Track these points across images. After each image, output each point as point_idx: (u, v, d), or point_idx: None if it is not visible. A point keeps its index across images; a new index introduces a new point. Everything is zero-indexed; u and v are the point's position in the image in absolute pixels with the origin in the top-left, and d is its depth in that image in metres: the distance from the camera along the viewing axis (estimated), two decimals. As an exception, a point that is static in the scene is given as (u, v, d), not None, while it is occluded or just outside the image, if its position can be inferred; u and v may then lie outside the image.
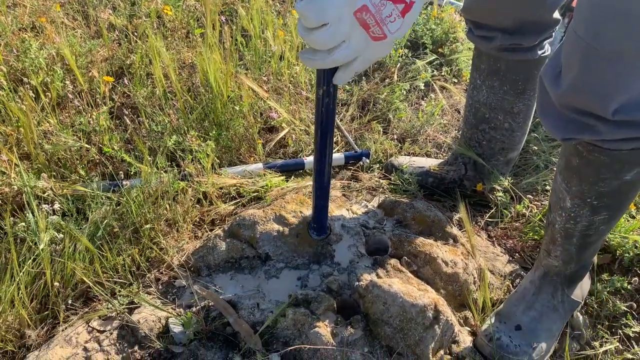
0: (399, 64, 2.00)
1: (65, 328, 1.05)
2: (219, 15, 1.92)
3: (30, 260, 1.09)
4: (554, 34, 1.25)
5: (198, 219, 1.35)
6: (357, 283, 1.10)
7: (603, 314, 1.26)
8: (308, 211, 1.26)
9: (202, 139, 1.48)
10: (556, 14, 1.19)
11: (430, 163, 1.58)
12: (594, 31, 0.79)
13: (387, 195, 1.46)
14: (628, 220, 1.40)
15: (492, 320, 1.14)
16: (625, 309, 1.25)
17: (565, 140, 0.92)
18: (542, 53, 1.24)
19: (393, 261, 1.17)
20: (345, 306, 1.10)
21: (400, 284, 1.08)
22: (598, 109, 0.83)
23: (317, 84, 0.94)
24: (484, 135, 1.43)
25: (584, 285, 1.23)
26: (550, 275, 1.16)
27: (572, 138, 0.91)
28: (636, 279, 1.29)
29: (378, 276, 1.13)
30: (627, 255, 1.34)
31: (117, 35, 1.86)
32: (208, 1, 1.70)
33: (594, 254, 1.16)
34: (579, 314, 1.23)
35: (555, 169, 1.63)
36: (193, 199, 1.34)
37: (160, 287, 1.16)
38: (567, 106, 0.88)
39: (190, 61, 1.81)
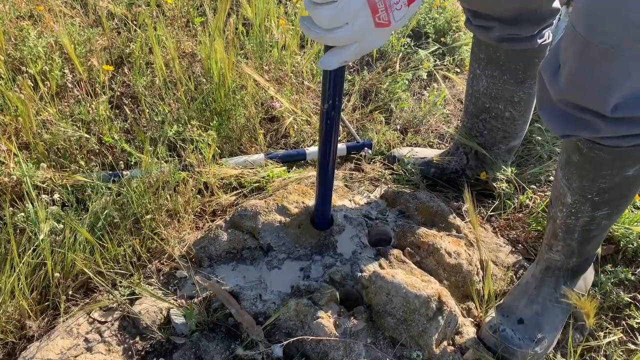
0: (401, 54, 1.98)
1: (66, 319, 1.05)
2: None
3: (30, 251, 1.08)
4: (554, 21, 1.23)
5: (199, 210, 1.34)
6: (360, 274, 1.09)
7: (606, 305, 1.25)
8: (310, 202, 1.25)
9: (203, 128, 1.47)
10: (556, 4, 1.17)
11: (432, 153, 1.56)
12: (590, 25, 0.77)
13: (389, 186, 1.45)
14: (632, 211, 1.39)
15: (495, 313, 1.14)
16: (629, 300, 1.24)
17: (565, 137, 0.91)
18: (543, 42, 1.22)
19: (396, 252, 1.17)
20: (348, 297, 1.09)
21: (403, 274, 1.07)
22: (596, 106, 0.81)
23: (323, 98, 0.96)
24: (484, 124, 1.41)
25: (588, 277, 1.22)
26: (552, 269, 1.15)
27: (571, 135, 0.89)
28: (640, 270, 1.29)
29: (381, 267, 1.12)
30: (631, 246, 1.33)
31: (116, 23, 1.84)
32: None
33: (596, 247, 1.15)
34: (582, 305, 1.23)
35: (558, 159, 1.62)
36: (194, 190, 1.32)
37: (161, 277, 1.15)
38: (565, 102, 0.86)
39: (190, 50, 1.79)
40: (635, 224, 1.35)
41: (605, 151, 0.88)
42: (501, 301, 1.18)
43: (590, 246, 1.10)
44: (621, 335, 1.20)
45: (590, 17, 0.77)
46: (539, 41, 1.21)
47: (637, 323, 1.21)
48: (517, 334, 1.10)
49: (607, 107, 0.80)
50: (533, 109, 1.40)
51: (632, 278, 1.28)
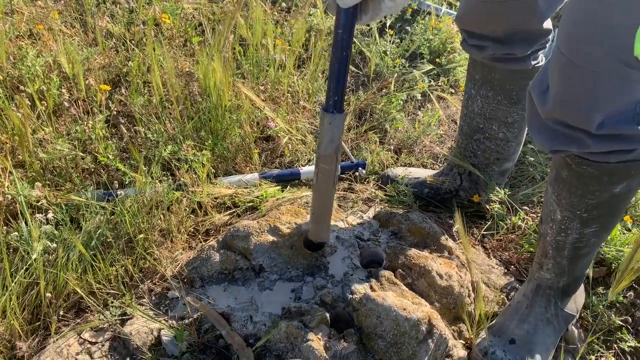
0: (396, 74, 2.00)
1: (57, 339, 1.05)
2: (218, 24, 1.93)
3: (22, 270, 1.09)
4: (547, 45, 1.26)
5: (192, 229, 1.34)
6: (351, 296, 1.09)
7: (598, 328, 1.25)
8: (303, 222, 1.25)
9: (197, 148, 1.48)
10: (547, 24, 1.20)
11: (426, 174, 1.58)
12: (575, 47, 0.82)
13: (382, 207, 1.45)
14: (624, 233, 1.40)
15: (486, 334, 1.14)
16: (621, 323, 1.25)
17: (554, 152, 0.94)
18: (536, 63, 1.25)
19: (387, 274, 1.17)
20: (339, 319, 1.09)
21: (394, 297, 1.08)
22: (582, 124, 0.85)
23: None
24: (478, 145, 1.43)
25: (578, 298, 1.23)
26: (543, 288, 1.16)
27: (560, 150, 0.92)
28: (631, 293, 1.29)
29: (372, 289, 1.12)
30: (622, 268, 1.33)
31: (114, 42, 1.86)
32: (235, 12, 1.70)
33: (586, 267, 1.16)
34: (573, 327, 1.23)
35: (548, 177, 1.63)
36: (188, 209, 1.33)
37: (153, 298, 1.15)
38: (553, 120, 0.90)
39: (187, 69, 1.81)
40: (626, 246, 1.35)
41: (593, 167, 0.91)
42: (493, 322, 1.18)
43: (580, 265, 1.12)
44: (613, 359, 1.20)
45: (574, 39, 0.82)
46: (533, 62, 1.24)
47: (628, 347, 1.21)
48: (508, 355, 1.10)
49: (592, 124, 0.83)
50: (526, 131, 1.42)
51: (624, 301, 1.28)
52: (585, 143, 0.86)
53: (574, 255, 1.08)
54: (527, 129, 1.01)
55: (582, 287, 1.24)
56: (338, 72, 0.95)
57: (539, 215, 1.51)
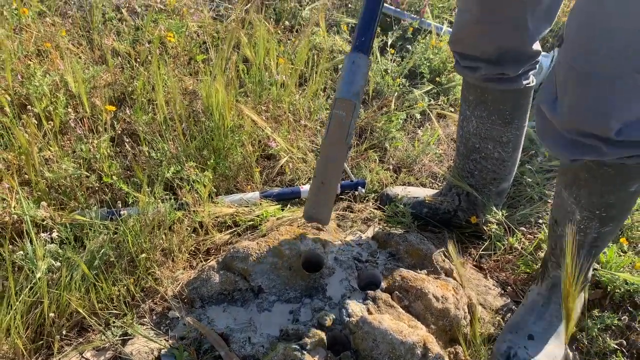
0: (396, 93, 2.03)
1: (59, 359, 1.07)
2: (226, 45, 1.96)
3: (27, 289, 1.11)
4: (537, 65, 1.29)
5: (193, 249, 1.36)
6: (348, 319, 1.11)
7: (593, 351, 1.26)
8: (302, 244, 1.28)
9: (200, 168, 1.50)
10: (536, 46, 1.24)
11: (424, 193, 1.60)
12: (585, 56, 0.84)
13: (381, 226, 1.47)
14: (620, 256, 1.41)
15: (503, 333, 1.18)
16: (616, 346, 1.26)
17: (574, 161, 0.97)
18: (527, 84, 1.29)
19: (384, 296, 1.19)
20: (336, 342, 1.11)
21: (390, 320, 1.10)
22: (600, 131, 0.87)
23: None
24: (475, 165, 1.45)
25: (583, 296, 1.29)
26: (560, 285, 1.20)
27: (579, 159, 0.95)
28: (626, 316, 1.30)
29: (369, 312, 1.14)
30: (618, 291, 1.35)
31: (120, 61, 1.90)
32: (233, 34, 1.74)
33: (596, 257, 1.22)
34: (569, 351, 1.24)
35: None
36: (189, 229, 1.36)
37: (154, 317, 1.17)
38: (569, 130, 0.93)
39: (191, 88, 1.84)
40: (621, 269, 1.36)
41: (613, 167, 0.95)
42: (508, 321, 1.23)
43: (594, 260, 1.18)
44: (607, 382, 1.21)
45: (583, 48, 0.84)
46: (524, 82, 1.28)
47: (623, 370, 1.22)
48: (530, 351, 1.14)
49: (611, 131, 0.86)
50: (521, 150, 1.45)
51: (619, 324, 1.29)
52: (603, 151, 0.90)
53: (589, 252, 1.14)
54: (540, 142, 1.05)
55: (582, 293, 1.27)
56: (371, 11, 0.91)
57: (537, 236, 1.52)
